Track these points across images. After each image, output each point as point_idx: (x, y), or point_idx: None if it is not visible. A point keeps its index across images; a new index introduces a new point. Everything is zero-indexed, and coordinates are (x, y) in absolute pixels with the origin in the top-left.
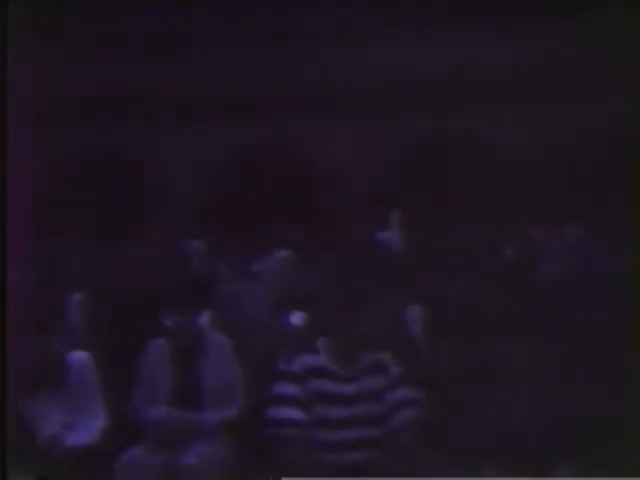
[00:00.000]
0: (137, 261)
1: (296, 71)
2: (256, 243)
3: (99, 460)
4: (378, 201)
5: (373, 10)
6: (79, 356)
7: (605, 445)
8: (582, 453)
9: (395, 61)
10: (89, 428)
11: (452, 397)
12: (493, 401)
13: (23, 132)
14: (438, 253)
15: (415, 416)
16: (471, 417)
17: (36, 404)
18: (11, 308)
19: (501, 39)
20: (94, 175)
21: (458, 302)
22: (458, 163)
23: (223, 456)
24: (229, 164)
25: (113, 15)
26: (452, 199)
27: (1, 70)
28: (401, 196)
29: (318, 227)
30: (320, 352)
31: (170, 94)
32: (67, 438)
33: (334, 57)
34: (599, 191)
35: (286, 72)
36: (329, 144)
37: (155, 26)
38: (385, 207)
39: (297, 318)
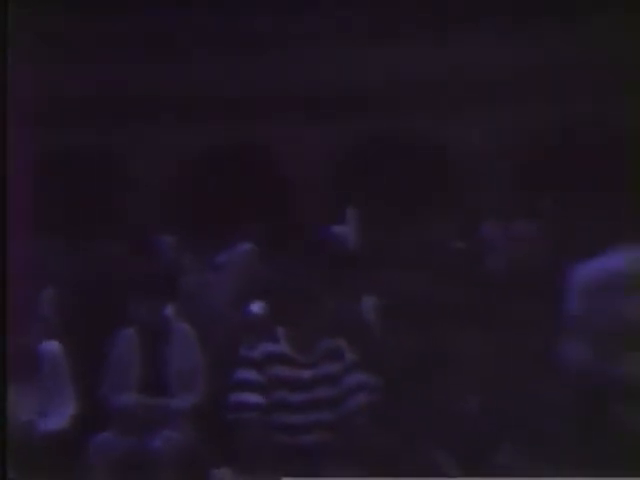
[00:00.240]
0: (107, 255)
1: (260, 73)
2: (220, 237)
3: (70, 445)
4: (335, 198)
5: (339, 12)
6: (51, 346)
7: (548, 428)
8: (526, 436)
9: (350, 64)
10: (61, 415)
11: (404, 382)
12: (443, 386)
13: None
14: (392, 247)
15: (369, 400)
16: (422, 401)
17: (11, 393)
18: None
19: (460, 41)
20: (63, 172)
21: (410, 293)
22: (412, 162)
23: (188, 440)
24: (195, 162)
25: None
26: (406, 196)
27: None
28: (357, 193)
29: (278, 222)
30: (279, 340)
31: (139, 93)
32: (40, 425)
33: (294, 60)
34: (548, 189)
35: (250, 74)
36: (290, 144)
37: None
38: (342, 204)
39: (257, 308)
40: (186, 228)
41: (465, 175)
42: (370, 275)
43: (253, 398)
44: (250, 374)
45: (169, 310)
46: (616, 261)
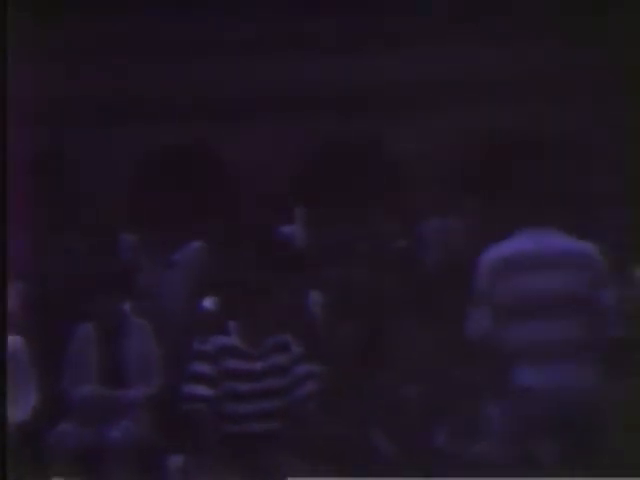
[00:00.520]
0: (66, 253)
1: (209, 77)
2: (175, 236)
3: (32, 436)
4: (285, 198)
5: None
6: (13, 340)
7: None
8: (460, 419)
9: (299, 68)
10: (23, 407)
11: (348, 371)
12: (384, 374)
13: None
14: (337, 245)
15: (316, 389)
16: (364, 388)
17: None
18: None
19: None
20: (30, 170)
21: (354, 288)
22: (358, 164)
23: (144, 430)
24: (151, 162)
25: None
26: (351, 197)
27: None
28: (305, 194)
29: (230, 221)
30: (231, 334)
31: (91, 94)
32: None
33: (248, 62)
34: (480, 188)
35: (200, 77)
36: (242, 145)
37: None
38: (291, 204)
39: (210, 303)
40: (143, 227)
41: (406, 177)
42: (316, 271)
43: (205, 390)
44: (202, 367)
45: (126, 306)
46: (520, 243)
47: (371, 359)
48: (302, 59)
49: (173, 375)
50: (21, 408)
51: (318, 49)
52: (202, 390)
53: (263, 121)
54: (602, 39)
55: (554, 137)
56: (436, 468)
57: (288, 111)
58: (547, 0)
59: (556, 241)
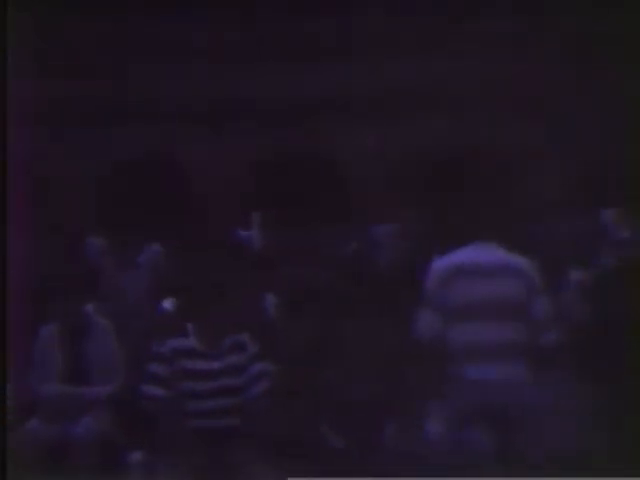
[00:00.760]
0: (33, 255)
1: (172, 83)
2: (136, 239)
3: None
4: (242, 203)
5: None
6: None
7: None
8: (408, 414)
9: (256, 80)
10: None
11: (301, 369)
12: (335, 372)
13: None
14: (292, 248)
15: (270, 386)
16: (316, 385)
17: None
18: None
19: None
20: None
21: (308, 289)
22: (313, 171)
23: (105, 427)
24: (115, 168)
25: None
26: (307, 203)
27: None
28: (262, 199)
29: (190, 225)
30: (189, 335)
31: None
32: None
33: (205, 73)
34: (429, 195)
35: (164, 83)
36: (203, 153)
37: None
38: (248, 208)
39: (169, 305)
40: (107, 230)
41: (358, 184)
42: (272, 273)
43: (162, 390)
44: (160, 368)
45: (89, 307)
46: (467, 253)
47: (323, 358)
48: (259, 69)
49: (133, 375)
50: None
51: (274, 59)
52: (160, 390)
53: (223, 129)
54: (553, 55)
55: (504, 157)
56: (385, 463)
57: (245, 119)
58: (498, 13)
59: (497, 254)
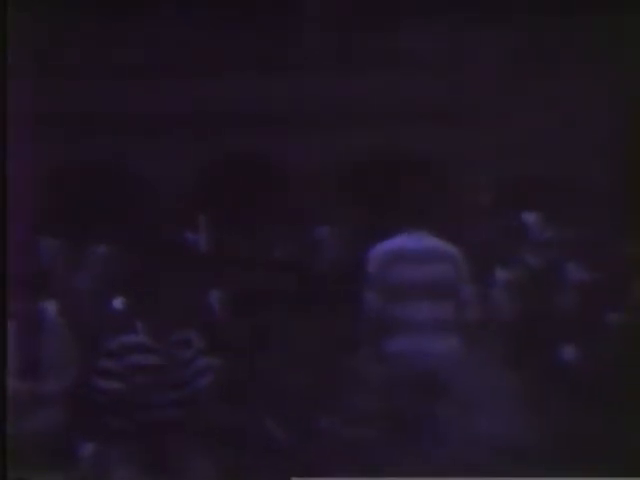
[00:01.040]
0: None
1: (120, 92)
2: (89, 239)
3: None
4: (189, 206)
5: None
6: None
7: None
8: (344, 406)
9: (206, 87)
10: None
11: (245, 364)
12: (278, 367)
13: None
14: (236, 249)
15: (215, 380)
16: (260, 380)
17: None
18: None
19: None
20: None
21: (251, 288)
22: (256, 175)
23: (60, 422)
24: (68, 171)
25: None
26: (249, 205)
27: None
28: (208, 202)
29: (138, 227)
30: (139, 332)
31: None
32: None
33: (156, 80)
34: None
35: (113, 92)
36: (152, 158)
37: None
38: (194, 211)
39: (119, 304)
40: (59, 230)
41: (299, 187)
42: (217, 273)
43: (114, 384)
44: (111, 363)
45: (44, 305)
46: (402, 241)
47: (266, 353)
48: (205, 77)
49: (85, 370)
50: None
51: (221, 68)
52: (111, 383)
53: (172, 135)
54: (474, 64)
55: (432, 156)
56: (325, 450)
57: (191, 126)
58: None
59: (428, 241)
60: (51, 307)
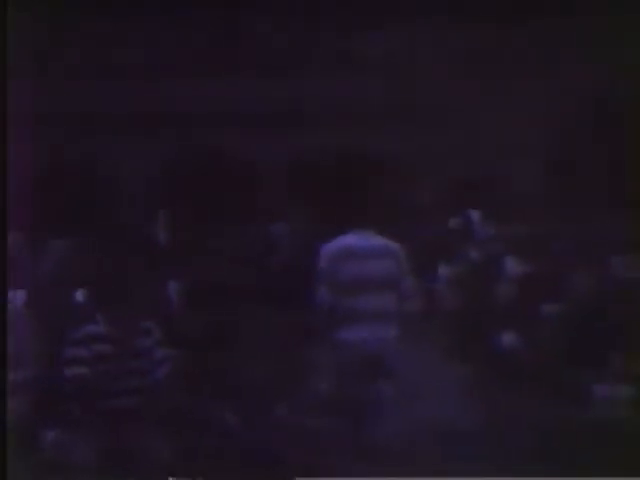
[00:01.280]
0: None
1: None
2: (52, 234)
3: None
4: (149, 202)
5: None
6: None
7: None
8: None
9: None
10: None
11: (202, 354)
12: (233, 357)
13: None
14: (195, 244)
15: (173, 369)
16: (216, 369)
17: None
18: None
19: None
20: None
21: (209, 282)
22: (215, 173)
23: (24, 408)
24: (34, 167)
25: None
26: (211, 202)
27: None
28: (168, 199)
29: (102, 221)
30: (100, 322)
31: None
32: None
33: (119, 79)
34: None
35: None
36: (115, 157)
37: None
38: (154, 207)
39: (82, 295)
40: (26, 224)
41: (256, 187)
42: (176, 266)
43: (77, 372)
44: (75, 351)
45: (10, 296)
46: (349, 239)
47: (221, 344)
48: (168, 78)
49: (50, 359)
50: None
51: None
52: (75, 372)
53: (138, 132)
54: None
55: (381, 157)
56: (277, 437)
57: (152, 126)
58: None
59: (374, 239)
60: (17, 298)
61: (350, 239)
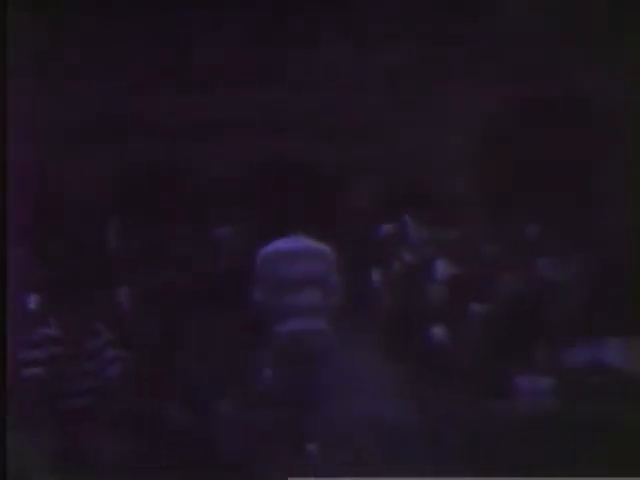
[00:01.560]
0: None
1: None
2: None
3: None
4: (98, 208)
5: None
6: None
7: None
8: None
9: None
10: None
11: (151, 354)
12: (180, 358)
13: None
14: (145, 250)
15: (122, 369)
16: (164, 370)
17: None
18: None
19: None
20: None
21: (157, 285)
22: (163, 182)
23: None
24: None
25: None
26: (158, 210)
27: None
28: (117, 205)
29: (55, 229)
30: (52, 325)
31: None
32: None
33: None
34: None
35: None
36: (66, 164)
37: None
38: (103, 213)
39: (34, 300)
40: None
41: (200, 194)
42: (126, 271)
43: (31, 373)
44: (28, 354)
45: None
46: (282, 243)
47: (169, 345)
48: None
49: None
50: None
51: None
52: (29, 373)
53: (88, 142)
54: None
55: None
56: (224, 433)
57: (99, 133)
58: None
59: (305, 242)
60: None
61: (283, 242)
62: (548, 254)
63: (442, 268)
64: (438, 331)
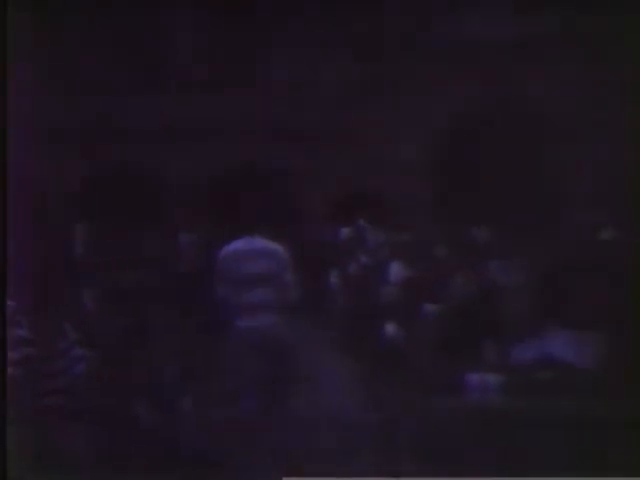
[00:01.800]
0: None
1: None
2: None
3: None
4: (67, 211)
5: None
6: None
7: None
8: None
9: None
10: None
11: (117, 354)
12: (147, 356)
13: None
14: (113, 253)
15: (88, 369)
16: (129, 370)
17: None
18: None
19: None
20: None
21: (124, 285)
22: (128, 188)
23: None
24: None
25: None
26: (124, 214)
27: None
28: (86, 209)
29: (27, 229)
30: (23, 327)
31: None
32: None
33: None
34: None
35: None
36: (36, 167)
37: None
38: (72, 216)
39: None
40: None
41: (166, 198)
42: (94, 272)
43: (13, 372)
44: (7, 354)
45: None
46: (239, 243)
47: (134, 345)
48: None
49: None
50: None
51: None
52: (12, 372)
53: (56, 146)
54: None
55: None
56: (187, 430)
57: (72, 140)
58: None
59: (259, 242)
60: None
61: (239, 243)
62: (498, 255)
63: (396, 270)
64: (391, 330)
